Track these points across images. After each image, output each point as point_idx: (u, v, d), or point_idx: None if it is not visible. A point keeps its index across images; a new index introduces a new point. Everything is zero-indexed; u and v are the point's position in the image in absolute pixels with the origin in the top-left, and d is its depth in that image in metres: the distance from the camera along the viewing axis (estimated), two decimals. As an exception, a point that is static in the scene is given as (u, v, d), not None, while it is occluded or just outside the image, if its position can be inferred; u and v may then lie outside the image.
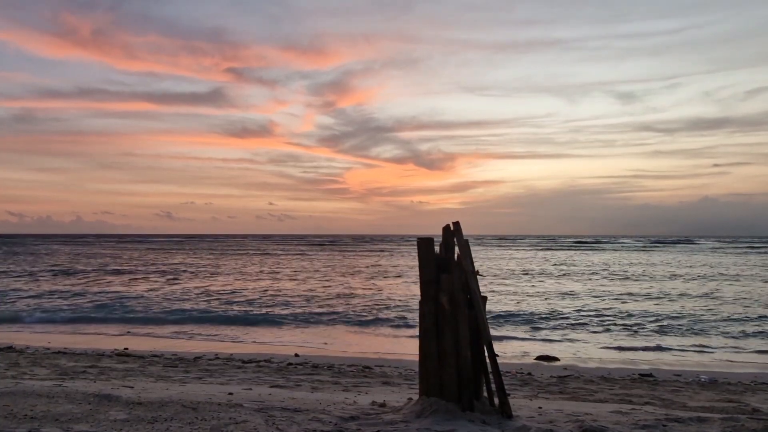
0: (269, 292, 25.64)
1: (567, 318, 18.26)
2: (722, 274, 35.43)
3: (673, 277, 33.88)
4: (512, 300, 22.90)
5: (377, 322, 17.70)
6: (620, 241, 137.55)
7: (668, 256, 61.75)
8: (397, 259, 57.80)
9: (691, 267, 42.65)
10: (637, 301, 22.75)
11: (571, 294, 24.99)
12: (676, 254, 65.81)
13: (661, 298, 23.65)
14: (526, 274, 36.27)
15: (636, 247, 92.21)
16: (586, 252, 73.50)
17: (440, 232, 5.43)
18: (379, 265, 47.90)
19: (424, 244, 5.39)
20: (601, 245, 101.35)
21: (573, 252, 73.14)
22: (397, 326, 16.91)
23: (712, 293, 25.11)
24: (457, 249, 5.37)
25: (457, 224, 5.36)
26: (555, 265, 46.02)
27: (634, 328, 16.66)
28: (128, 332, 15.98)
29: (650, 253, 68.07)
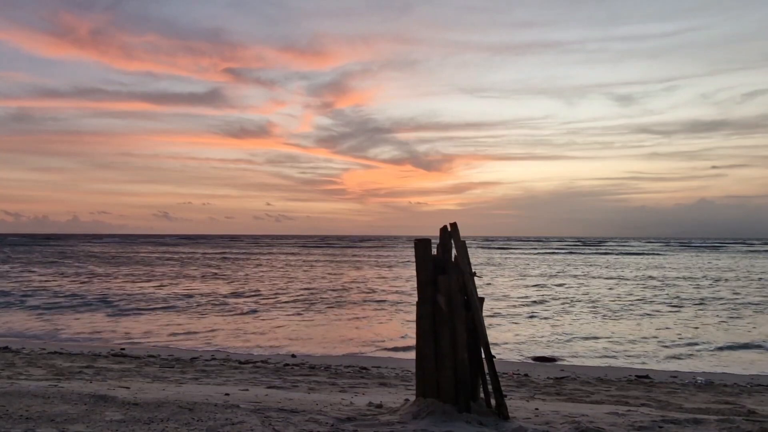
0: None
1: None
2: None
3: None
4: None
5: (374, 322, 17.68)
6: (629, 243, 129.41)
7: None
8: (395, 260, 57.79)
9: None
10: None
11: None
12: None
13: None
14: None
15: (666, 250, 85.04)
16: (639, 256, 64.88)
17: (438, 233, 5.43)
18: (379, 265, 47.89)
19: (422, 245, 5.39)
20: (623, 247, 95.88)
21: (626, 257, 62.80)
22: (394, 327, 16.89)
23: None
24: (454, 250, 5.37)
25: (454, 225, 5.36)
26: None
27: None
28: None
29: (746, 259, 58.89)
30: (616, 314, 19.53)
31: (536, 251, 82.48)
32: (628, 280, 33.56)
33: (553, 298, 23.89)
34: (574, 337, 15.22)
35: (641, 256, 66.12)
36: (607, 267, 46.50)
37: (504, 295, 24.81)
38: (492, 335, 13.30)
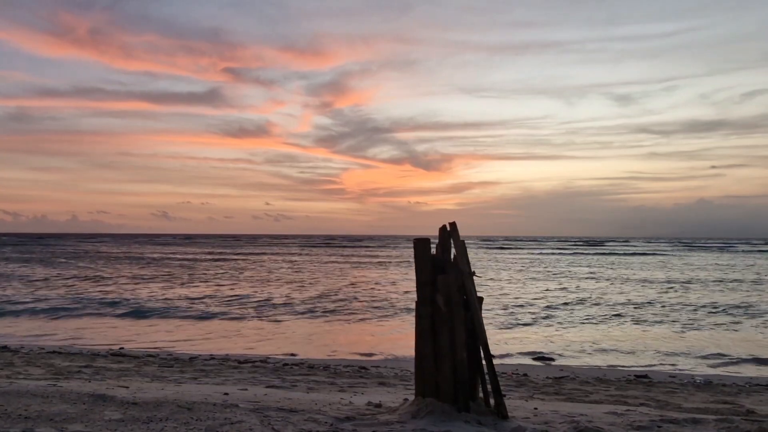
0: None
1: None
2: None
3: None
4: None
5: (374, 322, 17.70)
6: (634, 243, 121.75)
7: None
8: (394, 260, 57.80)
9: None
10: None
11: None
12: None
13: None
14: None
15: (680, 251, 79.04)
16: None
17: (437, 233, 5.43)
18: (378, 265, 47.90)
19: (421, 244, 5.39)
20: (628, 248, 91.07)
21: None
22: (393, 327, 16.90)
23: None
24: (453, 250, 5.37)
25: (453, 225, 5.36)
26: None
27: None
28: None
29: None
30: (643, 318, 18.85)
31: (542, 252, 79.71)
32: (654, 282, 31.53)
33: (567, 301, 23.39)
34: (584, 341, 15.10)
35: (650, 257, 63.64)
36: (624, 268, 44.25)
37: (514, 297, 24.81)
38: (499, 337, 13.02)
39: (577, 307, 21.25)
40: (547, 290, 27.23)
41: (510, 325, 17.02)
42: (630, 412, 5.95)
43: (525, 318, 18.41)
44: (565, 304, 22.15)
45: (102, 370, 9.73)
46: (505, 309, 20.31)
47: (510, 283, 31.17)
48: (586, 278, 34.55)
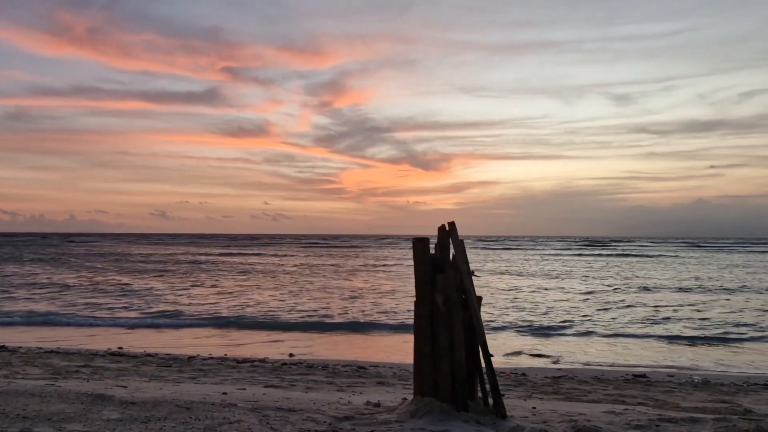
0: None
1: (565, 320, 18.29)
2: None
3: None
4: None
5: (372, 322, 17.68)
6: (640, 244, 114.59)
7: None
8: (393, 259, 57.81)
9: None
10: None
11: None
12: None
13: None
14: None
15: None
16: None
17: (436, 233, 5.44)
18: (377, 265, 47.91)
19: (420, 244, 5.39)
20: (635, 248, 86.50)
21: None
22: (392, 326, 16.89)
23: None
24: (452, 249, 5.38)
25: (452, 224, 5.36)
26: None
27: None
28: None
29: None
30: (648, 321, 18.97)
31: (546, 252, 76.96)
32: (663, 284, 29.82)
33: (571, 301, 23.31)
34: (586, 342, 15.03)
35: (660, 258, 60.10)
36: (633, 269, 42.21)
37: (516, 297, 24.83)
38: (499, 336, 13.03)
39: (583, 308, 21.27)
40: (546, 289, 27.28)
41: (511, 327, 17.03)
42: (628, 411, 5.96)
43: (526, 319, 18.42)
44: (569, 304, 22.20)
45: (100, 369, 9.73)
46: (507, 309, 20.33)
47: (513, 288, 31.19)
48: (593, 279, 34.05)
